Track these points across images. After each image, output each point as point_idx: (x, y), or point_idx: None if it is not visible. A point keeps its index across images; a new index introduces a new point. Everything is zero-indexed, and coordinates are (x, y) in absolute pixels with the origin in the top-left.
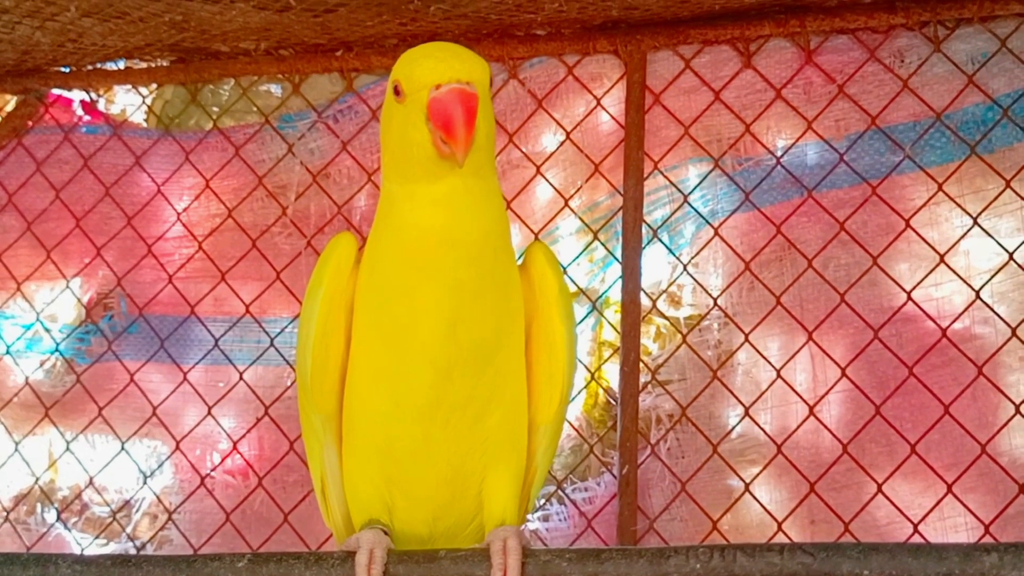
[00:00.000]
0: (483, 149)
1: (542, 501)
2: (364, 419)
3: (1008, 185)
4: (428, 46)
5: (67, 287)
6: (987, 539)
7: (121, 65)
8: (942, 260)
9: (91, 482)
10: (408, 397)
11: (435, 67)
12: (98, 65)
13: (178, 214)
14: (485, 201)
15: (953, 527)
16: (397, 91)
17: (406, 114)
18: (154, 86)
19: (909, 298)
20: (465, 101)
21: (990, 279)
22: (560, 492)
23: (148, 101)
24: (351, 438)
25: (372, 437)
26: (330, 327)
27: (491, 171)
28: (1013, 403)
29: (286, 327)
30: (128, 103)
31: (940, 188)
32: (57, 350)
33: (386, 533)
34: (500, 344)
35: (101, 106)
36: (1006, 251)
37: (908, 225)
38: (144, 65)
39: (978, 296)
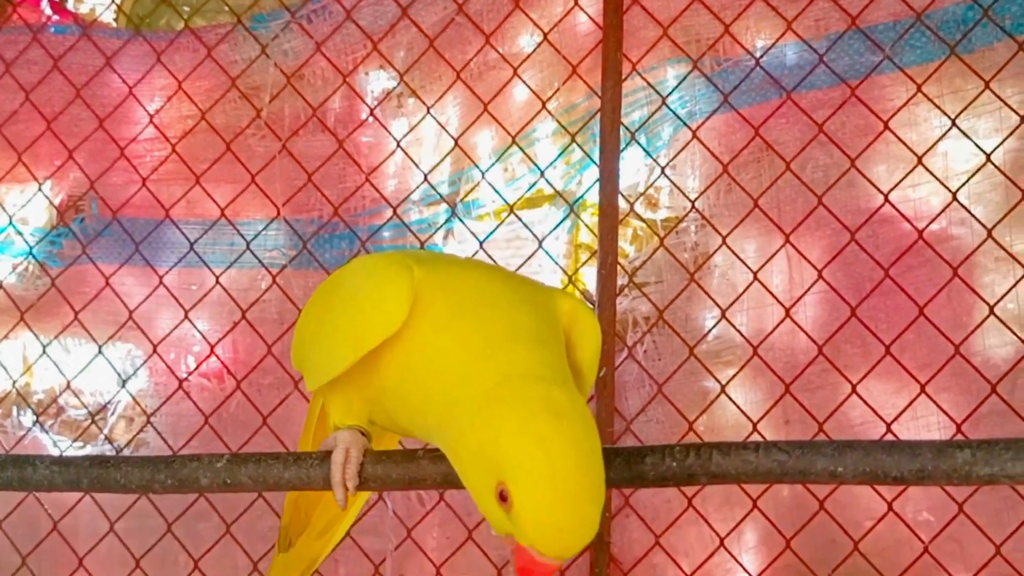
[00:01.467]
0: None
1: None
2: (348, 396)
3: (987, 86)
4: (567, 498)
5: (39, 190)
6: (960, 438)
7: None
8: (920, 162)
9: (67, 386)
10: (401, 424)
11: (551, 544)
12: None
13: (150, 116)
14: None
15: (926, 427)
16: (503, 497)
17: (500, 511)
18: None
19: (886, 200)
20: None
21: (967, 180)
22: None
23: (118, 1)
24: (333, 392)
25: (356, 404)
26: None
27: None
28: (987, 304)
29: (261, 230)
30: (97, 2)
31: (919, 89)
32: (30, 253)
33: (364, 434)
34: None
35: (70, 5)
36: (983, 152)
37: (886, 126)
38: None
39: (955, 197)
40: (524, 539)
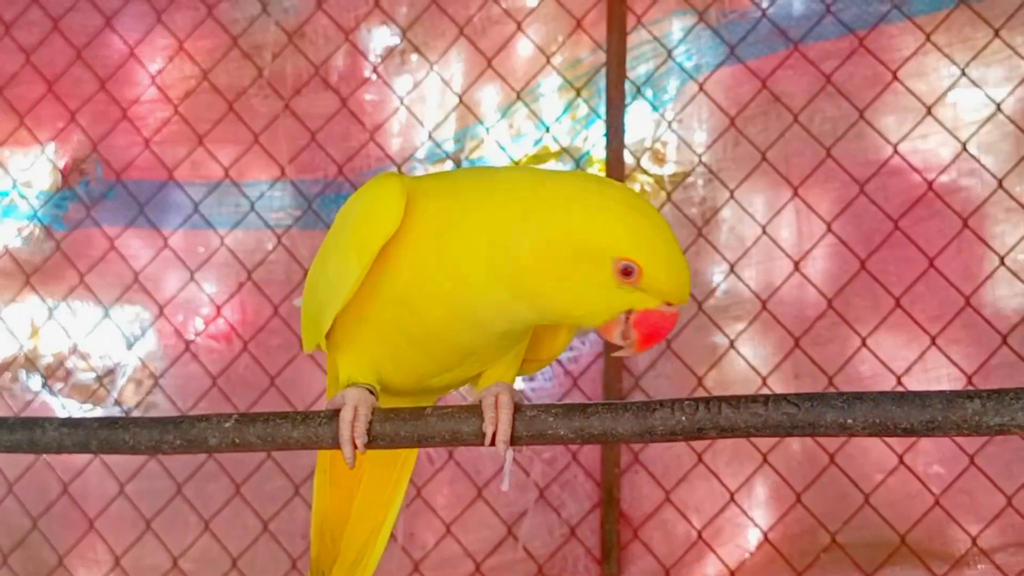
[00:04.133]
0: None
1: None
2: (359, 347)
3: (996, 34)
4: (676, 251)
5: (42, 152)
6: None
7: None
8: (929, 112)
9: (75, 348)
10: (408, 367)
11: (682, 287)
12: None
13: (152, 77)
14: None
15: (936, 379)
16: (629, 272)
17: (617, 295)
18: None
19: (895, 151)
20: (671, 328)
21: (977, 130)
22: None
23: None
24: (342, 342)
25: (364, 358)
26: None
27: None
28: (997, 255)
29: (265, 191)
30: None
31: (928, 38)
32: (35, 217)
33: (372, 392)
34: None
35: None
36: (993, 102)
37: (895, 77)
38: None
39: (964, 148)
40: (659, 295)
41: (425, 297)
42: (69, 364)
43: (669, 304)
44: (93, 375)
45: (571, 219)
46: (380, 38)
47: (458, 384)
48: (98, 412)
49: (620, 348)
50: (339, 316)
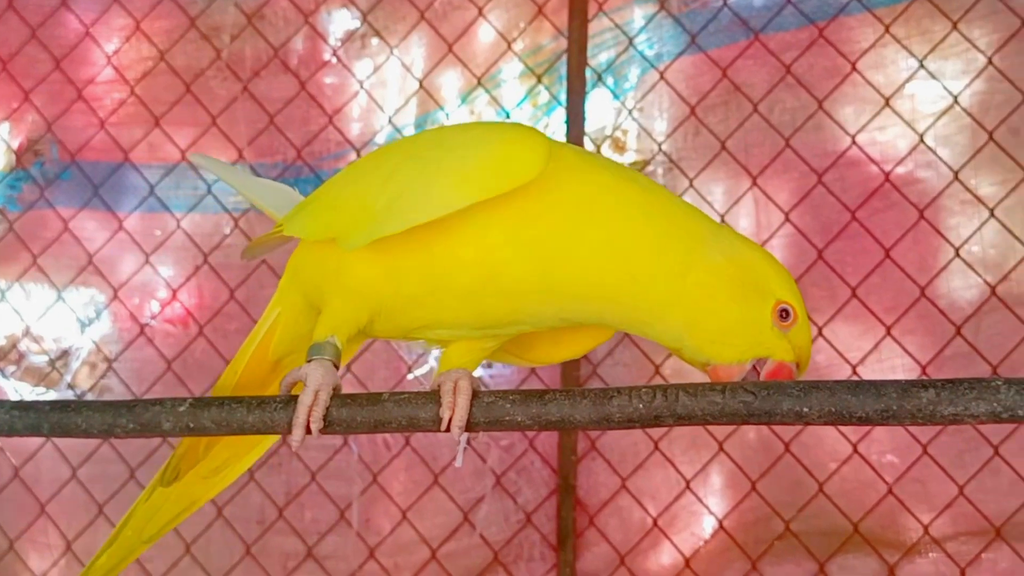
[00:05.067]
0: None
1: None
2: (356, 295)
3: (955, 27)
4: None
5: None
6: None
7: None
8: (887, 103)
9: (28, 331)
10: (407, 323)
11: (809, 350)
12: None
13: (108, 57)
14: None
15: (891, 368)
16: (785, 315)
17: (765, 332)
18: None
19: (853, 142)
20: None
21: (934, 123)
22: None
23: None
24: (348, 275)
25: (361, 305)
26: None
27: None
28: (953, 246)
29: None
30: None
31: (887, 30)
32: None
33: (335, 364)
34: None
35: None
36: (950, 94)
37: (854, 68)
38: None
39: (921, 140)
40: (796, 351)
41: (505, 266)
42: (22, 347)
43: (797, 364)
44: (46, 358)
45: (752, 252)
46: (340, 21)
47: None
48: (51, 395)
49: None
50: (370, 248)
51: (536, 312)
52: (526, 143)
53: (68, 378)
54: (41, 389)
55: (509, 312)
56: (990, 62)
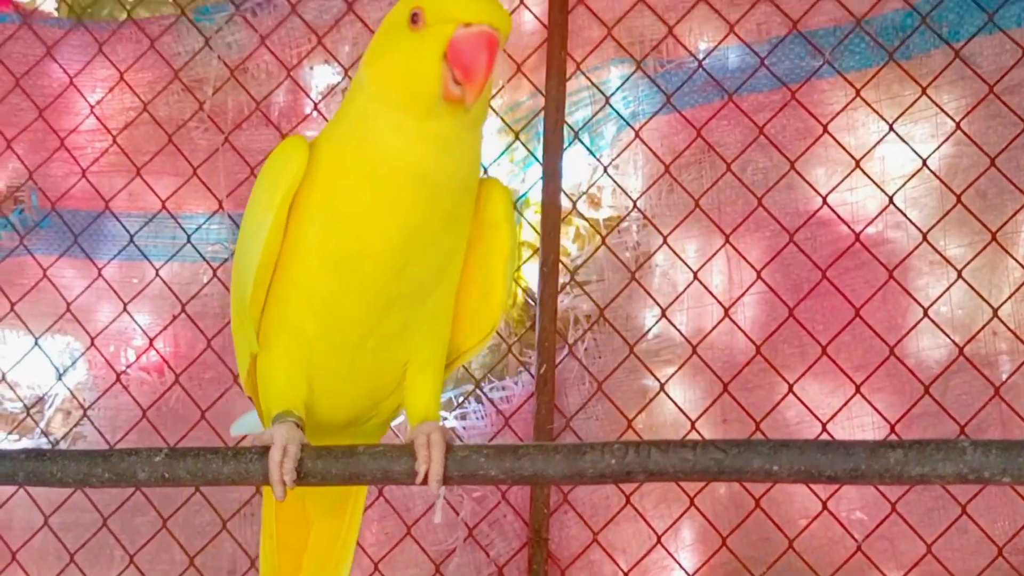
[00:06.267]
0: (485, 98)
1: (460, 399)
2: (288, 335)
3: (924, 92)
4: None
5: None
6: (893, 438)
7: None
8: (858, 165)
9: (3, 378)
10: (339, 326)
11: (469, 4)
12: None
13: (91, 107)
14: (471, 148)
15: (860, 426)
16: (415, 18)
17: (420, 44)
18: None
19: (824, 202)
20: (491, 46)
21: (903, 185)
22: (478, 391)
23: None
24: (271, 342)
25: (294, 351)
26: (275, 243)
27: (483, 120)
28: (921, 306)
29: (203, 224)
30: None
31: (858, 93)
32: None
33: (299, 426)
34: (442, 281)
35: None
36: (920, 157)
37: (825, 130)
38: None
39: (891, 201)
40: (451, 21)
41: (343, 213)
42: None
43: (468, 25)
44: (20, 405)
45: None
46: (322, 75)
47: (390, 410)
48: (24, 443)
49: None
50: (266, 301)
51: (405, 255)
52: (281, 155)
53: (42, 425)
54: (15, 437)
55: (392, 267)
56: (958, 127)
